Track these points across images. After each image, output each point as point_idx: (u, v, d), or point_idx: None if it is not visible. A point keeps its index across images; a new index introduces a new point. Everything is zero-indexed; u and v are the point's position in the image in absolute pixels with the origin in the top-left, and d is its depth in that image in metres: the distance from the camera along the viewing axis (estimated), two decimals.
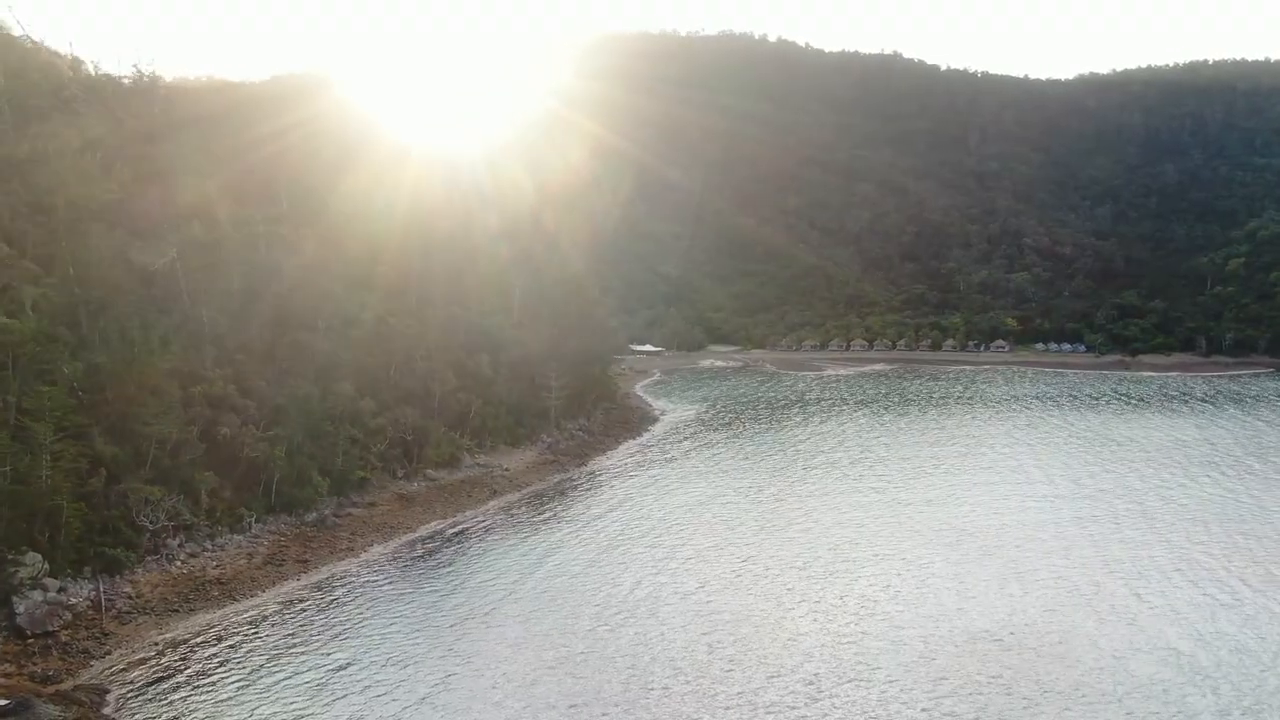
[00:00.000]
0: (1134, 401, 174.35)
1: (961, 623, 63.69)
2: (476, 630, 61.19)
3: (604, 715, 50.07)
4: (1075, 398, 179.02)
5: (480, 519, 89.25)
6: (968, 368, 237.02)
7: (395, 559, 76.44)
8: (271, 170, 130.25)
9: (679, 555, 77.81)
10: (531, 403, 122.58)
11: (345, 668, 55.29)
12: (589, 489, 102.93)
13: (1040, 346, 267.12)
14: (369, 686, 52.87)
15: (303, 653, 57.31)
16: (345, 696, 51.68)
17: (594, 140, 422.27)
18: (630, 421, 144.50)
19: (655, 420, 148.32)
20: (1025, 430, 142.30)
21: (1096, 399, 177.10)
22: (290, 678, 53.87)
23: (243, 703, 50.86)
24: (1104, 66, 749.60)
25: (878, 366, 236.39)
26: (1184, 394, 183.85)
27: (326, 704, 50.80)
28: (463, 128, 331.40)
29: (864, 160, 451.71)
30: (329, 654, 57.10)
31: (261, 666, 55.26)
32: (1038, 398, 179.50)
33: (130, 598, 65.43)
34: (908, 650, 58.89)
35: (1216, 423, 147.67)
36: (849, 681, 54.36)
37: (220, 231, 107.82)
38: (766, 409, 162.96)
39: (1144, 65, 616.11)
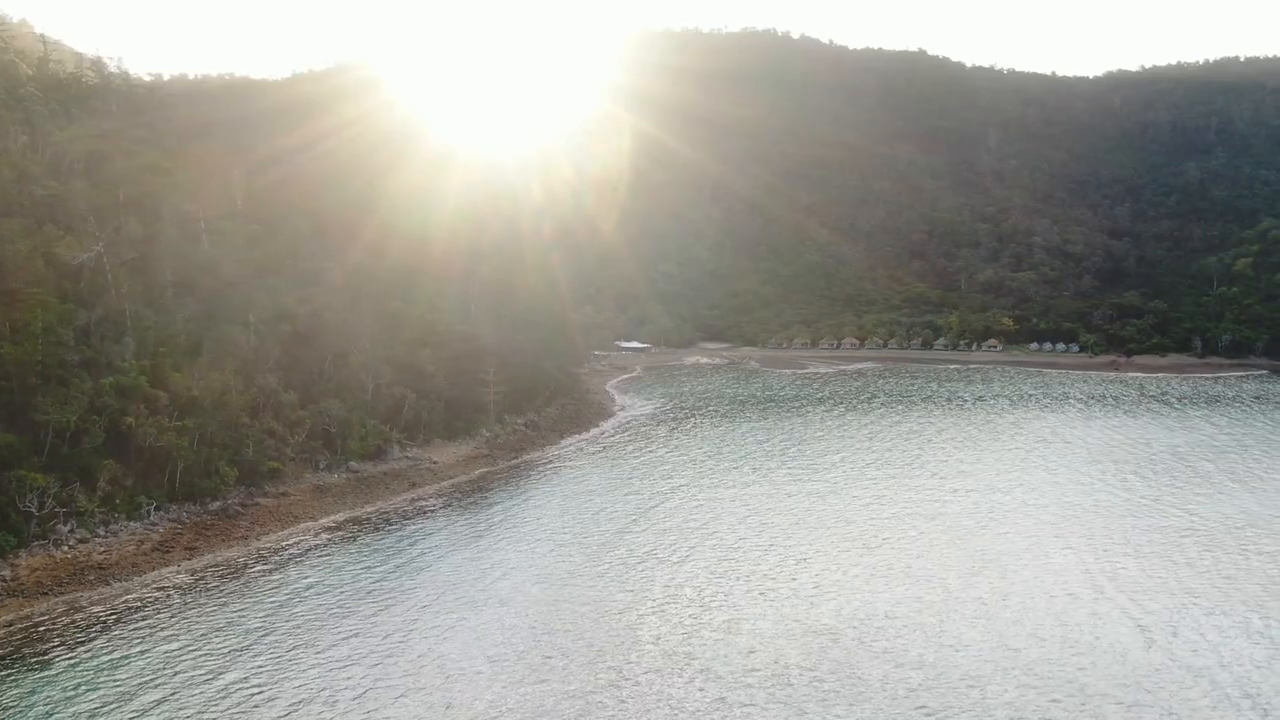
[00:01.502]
0: (1105, 402, 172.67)
1: (809, 616, 64.36)
2: (310, 624, 62.28)
3: (401, 698, 51.53)
4: (1047, 398, 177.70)
5: (385, 510, 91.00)
6: (954, 367, 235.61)
7: (281, 549, 78.22)
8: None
9: (547, 545, 79.22)
10: (472, 397, 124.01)
11: (180, 651, 57.16)
12: (507, 482, 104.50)
13: (1034, 346, 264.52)
14: (195, 671, 54.53)
15: (146, 636, 59.21)
16: (166, 682, 53.34)
17: (602, 143, 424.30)
18: (583, 417, 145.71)
19: (610, 416, 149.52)
20: (976, 428, 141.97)
21: (1067, 399, 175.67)
22: (124, 660, 55.70)
23: (65, 684, 52.70)
24: (1134, 64, 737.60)
25: (863, 365, 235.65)
26: (1160, 396, 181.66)
27: (150, 686, 52.50)
28: (476, 124, 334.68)
29: (883, 158, 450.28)
30: (172, 639, 58.93)
31: (104, 648, 57.16)
32: (1007, 397, 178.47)
33: (5, 580, 67.95)
34: (736, 642, 59.69)
35: (1175, 425, 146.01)
36: (654, 671, 55.32)
37: (158, 227, 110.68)
38: (728, 406, 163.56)
39: (1174, 62, 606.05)
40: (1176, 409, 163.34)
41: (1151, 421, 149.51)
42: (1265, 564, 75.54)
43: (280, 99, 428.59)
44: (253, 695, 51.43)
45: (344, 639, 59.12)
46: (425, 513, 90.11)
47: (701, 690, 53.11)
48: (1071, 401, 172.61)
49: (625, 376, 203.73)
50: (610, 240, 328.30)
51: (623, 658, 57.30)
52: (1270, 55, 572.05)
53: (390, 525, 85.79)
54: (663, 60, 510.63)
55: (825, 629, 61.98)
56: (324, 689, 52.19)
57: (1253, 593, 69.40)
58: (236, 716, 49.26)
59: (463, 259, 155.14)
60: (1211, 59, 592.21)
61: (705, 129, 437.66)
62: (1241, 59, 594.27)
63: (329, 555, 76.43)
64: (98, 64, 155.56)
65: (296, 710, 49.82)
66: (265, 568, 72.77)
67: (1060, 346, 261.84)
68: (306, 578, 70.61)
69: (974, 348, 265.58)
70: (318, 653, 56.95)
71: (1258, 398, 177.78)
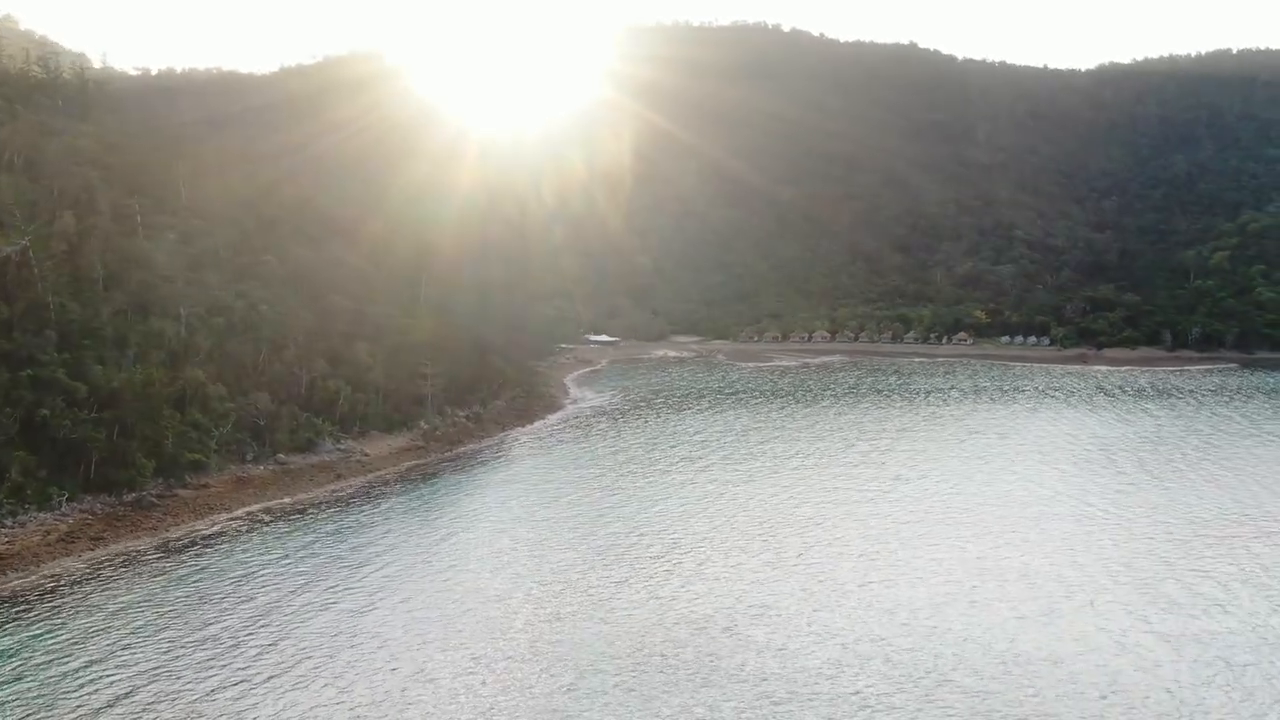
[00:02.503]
0: (1057, 395, 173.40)
1: (686, 606, 65.20)
2: (190, 614, 63.15)
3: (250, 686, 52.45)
4: (1001, 391, 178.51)
5: (302, 501, 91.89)
6: (920, 360, 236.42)
7: (187, 539, 79.14)
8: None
9: (441, 534, 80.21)
10: (410, 390, 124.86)
11: (52, 629, 58.17)
12: (433, 475, 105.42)
13: (1005, 340, 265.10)
14: (70, 657, 55.48)
15: (30, 622, 60.17)
16: (42, 669, 54.22)
17: (591, 139, 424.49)
18: (530, 410, 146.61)
19: (558, 408, 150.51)
20: (917, 421, 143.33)
21: (1020, 393, 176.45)
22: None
23: None
24: (1127, 57, 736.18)
25: (829, 358, 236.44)
26: (1115, 389, 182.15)
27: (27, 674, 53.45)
28: (442, 122, 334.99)
29: (868, 152, 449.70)
30: (52, 627, 59.85)
31: None
32: (961, 390, 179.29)
33: None
34: (603, 630, 60.51)
35: (1115, 418, 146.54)
36: (513, 658, 56.26)
37: (92, 221, 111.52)
38: (678, 399, 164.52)
39: (1166, 55, 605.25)
40: (1124, 402, 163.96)
41: (1093, 415, 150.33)
42: (1154, 562, 76.02)
43: (249, 96, 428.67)
44: (98, 682, 52.18)
45: (206, 624, 59.96)
46: (340, 504, 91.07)
47: (554, 676, 54.00)
48: (1024, 395, 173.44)
49: (587, 370, 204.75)
50: (587, 236, 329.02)
51: (488, 644, 58.15)
52: (1263, 48, 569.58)
53: (302, 516, 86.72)
54: (650, 54, 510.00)
55: (697, 618, 62.77)
56: (183, 683, 53.03)
57: (1133, 585, 70.07)
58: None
59: (415, 253, 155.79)
60: (1204, 52, 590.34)
61: (689, 125, 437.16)
62: (1234, 51, 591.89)
63: (231, 544, 77.34)
64: (44, 60, 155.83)
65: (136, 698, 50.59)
66: (161, 556, 73.68)
67: (1031, 340, 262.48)
68: (203, 566, 71.54)
69: (944, 341, 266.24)
70: (185, 640, 57.87)
71: (1214, 391, 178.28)
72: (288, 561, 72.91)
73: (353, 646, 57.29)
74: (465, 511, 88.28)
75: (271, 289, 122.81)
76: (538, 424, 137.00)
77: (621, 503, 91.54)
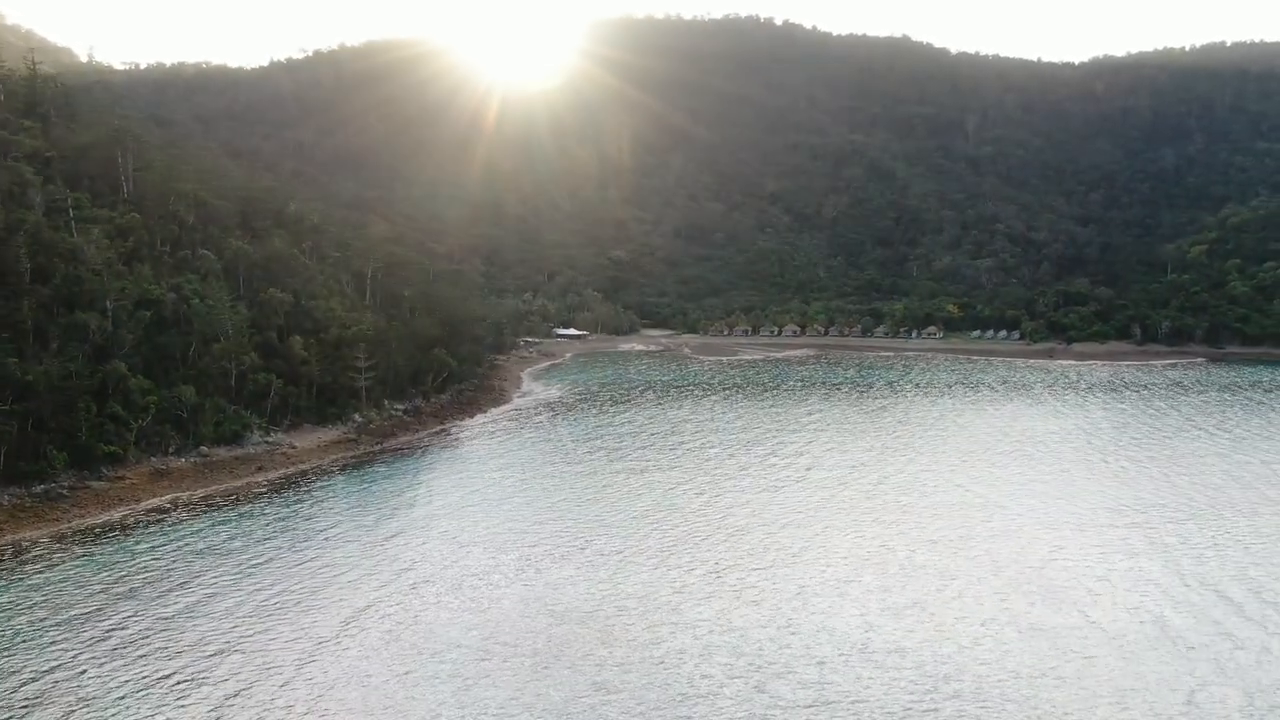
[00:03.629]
0: (1009, 389, 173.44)
1: (553, 596, 65.82)
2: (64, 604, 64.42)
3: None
4: (955, 385, 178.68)
5: (215, 493, 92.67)
6: (887, 354, 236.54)
7: (88, 530, 79.98)
8: None
9: (346, 528, 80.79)
10: (345, 383, 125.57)
11: None
12: (356, 468, 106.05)
13: (976, 334, 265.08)
14: None
15: None
16: None
17: (577, 129, 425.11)
18: (477, 403, 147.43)
19: (505, 402, 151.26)
20: (857, 414, 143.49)
21: (974, 387, 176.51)
22: None
23: None
24: (1122, 50, 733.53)
25: (794, 352, 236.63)
26: (1070, 383, 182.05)
27: None
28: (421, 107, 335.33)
29: (856, 145, 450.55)
30: None
31: None
32: (915, 383, 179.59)
33: None
34: (462, 619, 61.24)
35: (1053, 412, 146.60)
36: (368, 649, 57.01)
37: (22, 215, 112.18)
38: (627, 392, 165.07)
39: (1160, 48, 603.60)
40: (1070, 397, 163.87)
41: (1032, 408, 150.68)
42: (1040, 554, 76.32)
43: (236, 90, 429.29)
44: None
45: (86, 615, 60.88)
46: (251, 497, 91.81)
47: (392, 665, 54.73)
48: (974, 388, 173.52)
49: (549, 363, 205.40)
50: (568, 227, 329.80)
51: (347, 637, 58.79)
52: (1257, 40, 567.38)
53: (208, 508, 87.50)
54: (638, 49, 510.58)
55: (559, 610, 63.36)
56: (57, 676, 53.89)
57: (1012, 578, 70.47)
58: None
59: (366, 246, 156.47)
60: (1198, 45, 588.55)
61: (676, 120, 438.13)
62: (1228, 44, 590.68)
63: (126, 536, 78.15)
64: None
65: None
66: (52, 548, 74.53)
67: (1002, 334, 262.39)
68: (95, 557, 72.40)
69: (913, 335, 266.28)
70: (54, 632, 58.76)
71: (1167, 386, 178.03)
72: (172, 552, 73.67)
73: (220, 633, 58.06)
74: (371, 506, 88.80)
75: (208, 282, 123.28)
76: (478, 418, 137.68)
77: (523, 492, 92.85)
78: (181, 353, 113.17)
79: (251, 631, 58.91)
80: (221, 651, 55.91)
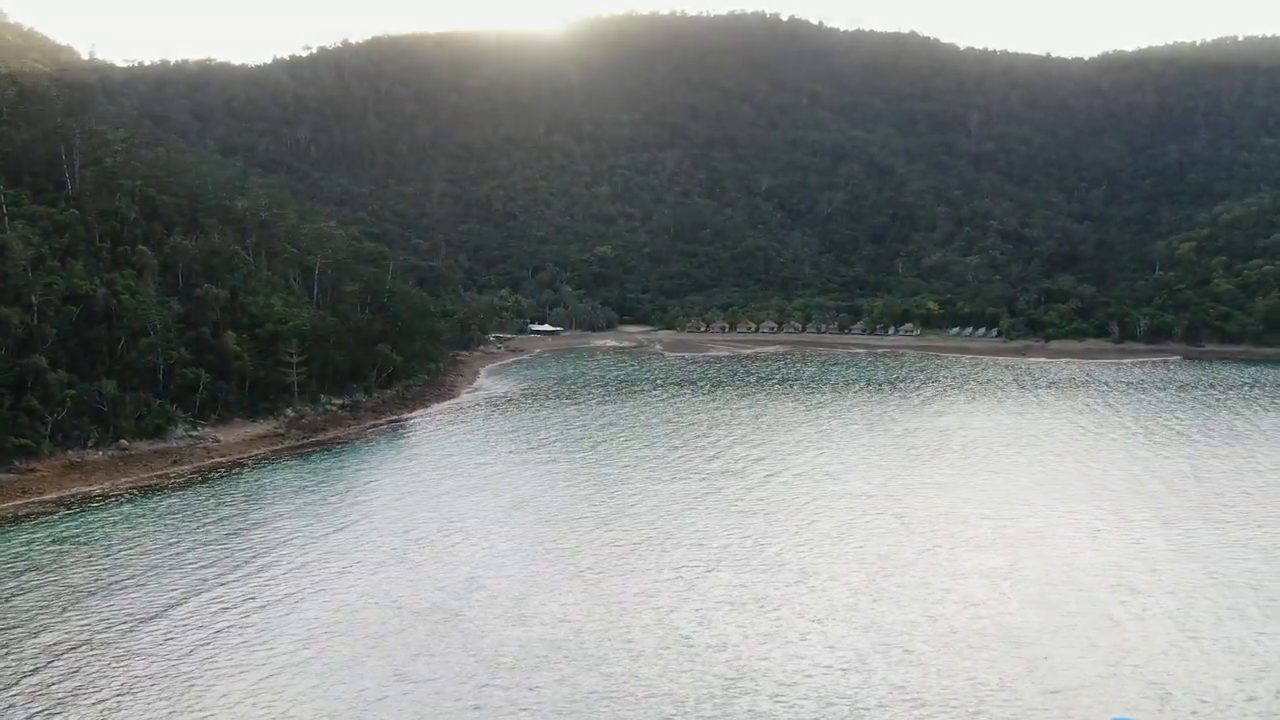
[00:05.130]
0: (964, 387, 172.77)
1: (408, 591, 66.60)
2: None
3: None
4: (908, 382, 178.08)
5: (120, 486, 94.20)
6: (860, 351, 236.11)
7: None
8: None
9: (235, 526, 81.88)
10: (278, 378, 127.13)
11: None
12: (271, 462, 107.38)
13: (954, 331, 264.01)
14: None
15: None
16: None
17: (573, 126, 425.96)
18: (421, 399, 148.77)
19: (451, 398, 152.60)
20: (794, 412, 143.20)
21: (926, 384, 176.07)
22: None
23: None
24: (1131, 45, 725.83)
25: (765, 349, 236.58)
26: (1032, 382, 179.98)
27: None
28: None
29: (856, 141, 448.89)
30: None
31: None
32: (870, 380, 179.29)
33: None
34: (306, 611, 62.25)
35: (987, 411, 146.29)
36: (201, 644, 58.25)
37: None
38: (579, 388, 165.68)
39: (1170, 43, 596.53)
40: (1018, 395, 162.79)
41: (969, 404, 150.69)
42: (888, 553, 76.64)
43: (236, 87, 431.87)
44: None
45: None
46: (158, 490, 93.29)
47: (253, 652, 55.91)
48: (932, 385, 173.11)
49: (513, 359, 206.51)
50: (556, 224, 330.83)
51: (185, 632, 59.91)
52: (1269, 35, 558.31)
53: (107, 502, 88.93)
54: (640, 46, 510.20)
55: (422, 606, 63.85)
56: None
57: (866, 579, 70.71)
58: None
59: (314, 242, 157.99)
60: (1208, 39, 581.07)
61: (672, 116, 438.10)
62: (1240, 38, 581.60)
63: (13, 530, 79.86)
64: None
65: None
66: None
67: (980, 331, 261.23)
68: None
69: (890, 332, 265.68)
70: None
71: (1131, 384, 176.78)
72: (48, 546, 75.23)
73: (91, 628, 59.45)
74: (269, 502, 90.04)
75: (143, 278, 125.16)
76: (417, 413, 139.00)
77: (415, 485, 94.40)
78: (110, 348, 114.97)
79: (83, 614, 60.21)
80: (71, 638, 57.20)
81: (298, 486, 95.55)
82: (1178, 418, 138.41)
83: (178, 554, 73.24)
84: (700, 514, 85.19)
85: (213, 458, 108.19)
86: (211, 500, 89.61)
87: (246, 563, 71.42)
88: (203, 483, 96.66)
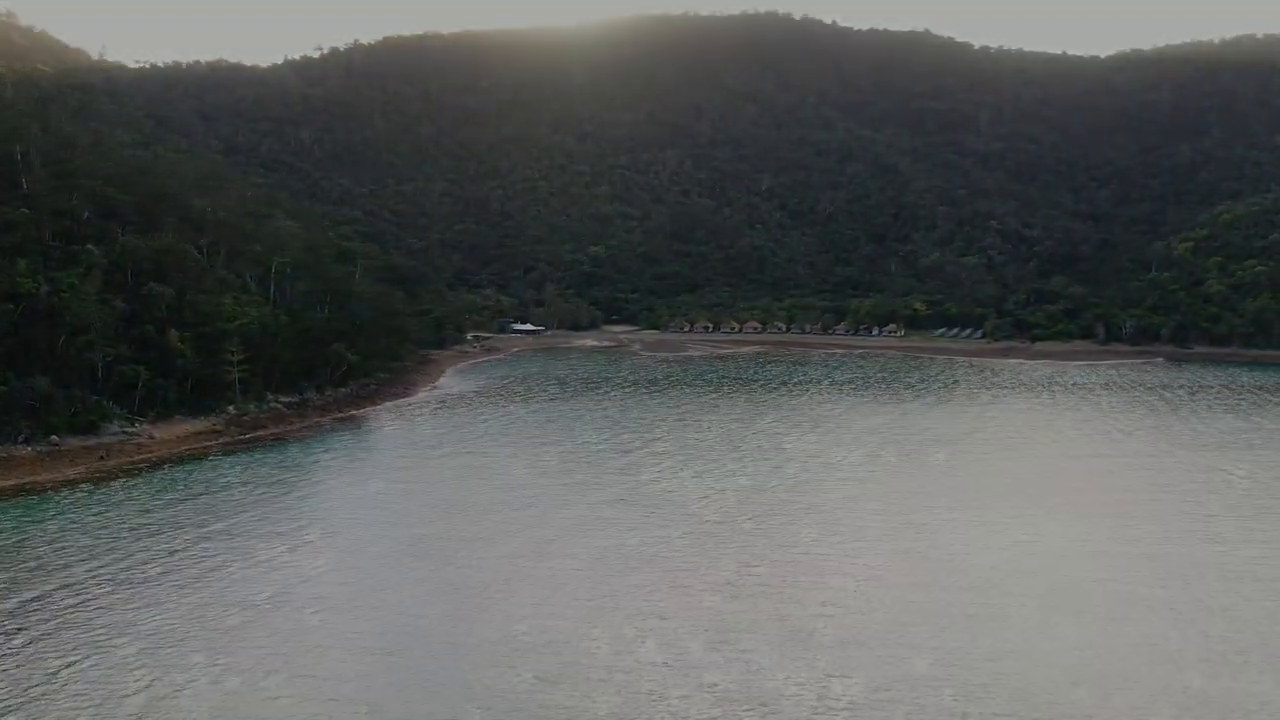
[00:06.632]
0: (928, 387, 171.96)
1: (297, 584, 67.43)
2: None
3: None
4: (881, 382, 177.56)
5: (42, 482, 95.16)
6: (839, 352, 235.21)
7: None
8: None
9: (137, 524, 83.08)
10: (222, 376, 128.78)
11: None
12: (203, 458, 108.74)
13: (940, 332, 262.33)
14: None
15: None
16: None
17: (575, 127, 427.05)
18: (375, 397, 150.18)
19: (406, 396, 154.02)
20: (745, 410, 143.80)
21: (893, 384, 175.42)
22: None
23: None
24: (1150, 43, 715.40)
25: (744, 349, 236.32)
26: (997, 383, 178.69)
27: None
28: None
29: (863, 140, 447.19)
30: None
31: None
32: (834, 381, 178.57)
33: None
34: (207, 615, 62.83)
35: (926, 408, 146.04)
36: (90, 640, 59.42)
37: None
38: (538, 388, 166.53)
39: (1189, 41, 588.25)
40: (970, 396, 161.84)
41: (914, 403, 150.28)
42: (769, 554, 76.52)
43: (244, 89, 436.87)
44: None
45: None
46: (66, 485, 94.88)
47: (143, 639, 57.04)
48: (891, 385, 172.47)
49: (486, 359, 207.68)
50: (552, 223, 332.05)
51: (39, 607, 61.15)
52: None
53: (24, 497, 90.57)
54: (649, 45, 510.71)
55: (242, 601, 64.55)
56: None
57: (722, 578, 70.65)
58: None
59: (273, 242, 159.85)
60: (1229, 36, 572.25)
61: (675, 116, 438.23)
62: (1260, 36, 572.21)
63: None
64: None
65: None
66: None
67: (966, 332, 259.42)
68: None
69: (874, 332, 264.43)
70: None
71: (1096, 386, 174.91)
72: None
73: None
74: (178, 496, 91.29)
75: (90, 276, 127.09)
76: (366, 410, 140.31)
77: (330, 485, 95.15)
78: (50, 345, 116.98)
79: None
80: None
81: (206, 482, 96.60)
82: (1115, 420, 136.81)
83: (62, 548, 74.50)
84: (598, 514, 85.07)
85: (143, 454, 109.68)
86: (120, 495, 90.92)
87: (112, 554, 72.50)
88: (131, 477, 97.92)
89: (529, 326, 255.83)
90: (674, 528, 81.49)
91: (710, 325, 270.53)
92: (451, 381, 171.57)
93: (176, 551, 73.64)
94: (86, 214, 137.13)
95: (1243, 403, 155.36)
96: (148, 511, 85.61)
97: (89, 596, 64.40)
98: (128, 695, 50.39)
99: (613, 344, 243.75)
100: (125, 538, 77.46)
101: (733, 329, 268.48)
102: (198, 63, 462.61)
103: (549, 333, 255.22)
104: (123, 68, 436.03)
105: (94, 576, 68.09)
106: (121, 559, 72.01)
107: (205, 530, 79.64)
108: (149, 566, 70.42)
